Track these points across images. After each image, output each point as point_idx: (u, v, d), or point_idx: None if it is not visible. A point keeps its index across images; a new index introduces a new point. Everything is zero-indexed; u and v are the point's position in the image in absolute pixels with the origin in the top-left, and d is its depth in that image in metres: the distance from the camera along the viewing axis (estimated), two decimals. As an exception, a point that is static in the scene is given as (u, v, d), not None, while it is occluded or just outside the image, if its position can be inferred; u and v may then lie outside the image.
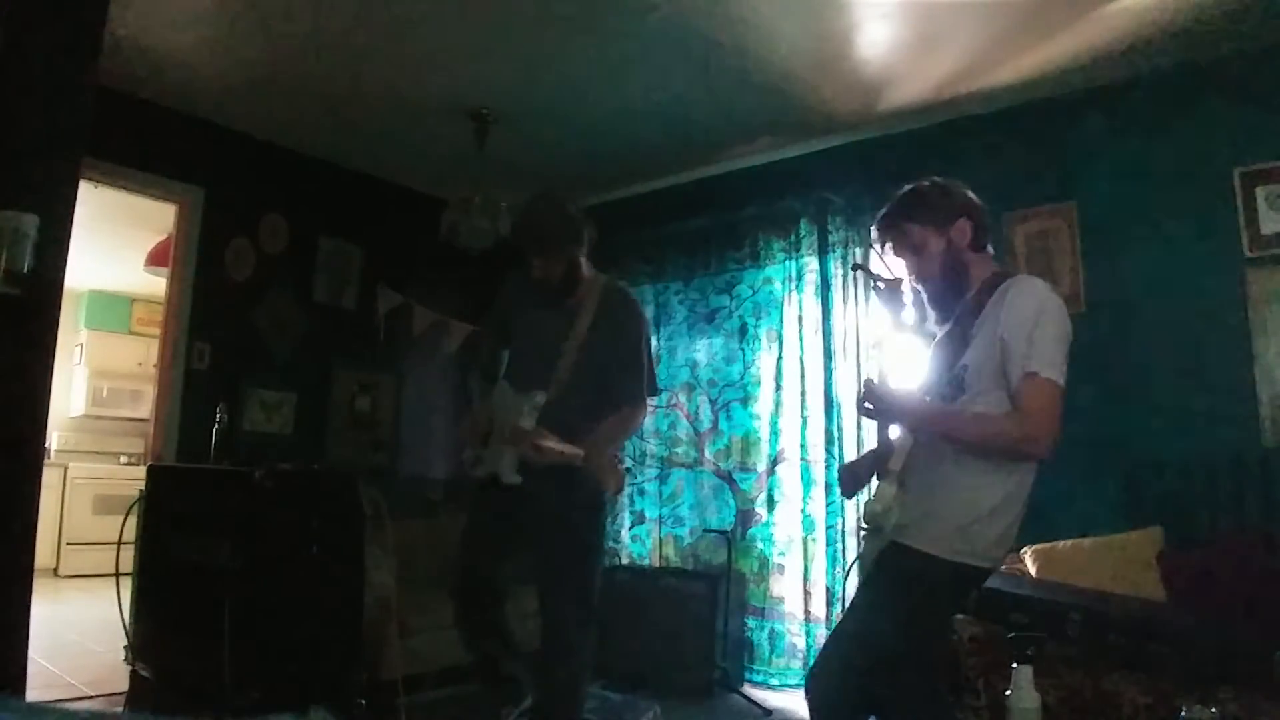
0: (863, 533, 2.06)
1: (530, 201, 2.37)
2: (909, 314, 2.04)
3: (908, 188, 2.00)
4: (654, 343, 4.71)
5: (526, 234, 2.34)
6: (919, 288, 1.98)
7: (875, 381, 1.93)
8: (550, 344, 2.36)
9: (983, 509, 1.79)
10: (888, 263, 2.05)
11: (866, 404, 1.92)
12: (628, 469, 4.68)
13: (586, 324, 2.34)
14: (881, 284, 2.04)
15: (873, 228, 2.06)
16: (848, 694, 1.85)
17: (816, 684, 1.92)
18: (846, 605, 3.82)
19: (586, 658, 2.42)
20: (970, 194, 1.98)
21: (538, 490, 2.29)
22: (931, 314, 1.99)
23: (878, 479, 1.98)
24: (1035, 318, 1.76)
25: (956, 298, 1.92)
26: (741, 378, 4.45)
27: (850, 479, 2.12)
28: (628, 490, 4.71)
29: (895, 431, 1.99)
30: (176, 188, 4.02)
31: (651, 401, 2.53)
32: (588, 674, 2.46)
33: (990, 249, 1.99)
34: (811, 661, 3.91)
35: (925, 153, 3.68)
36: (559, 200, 2.38)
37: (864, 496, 2.11)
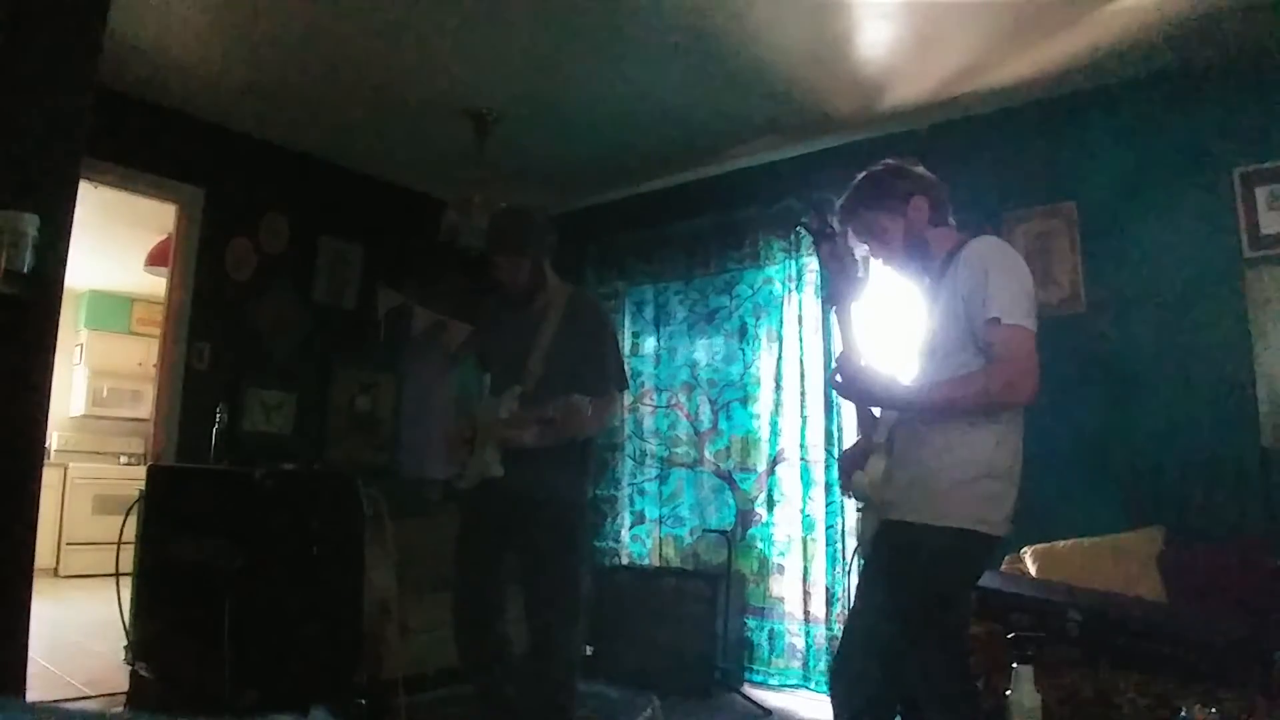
0: (858, 513, 2.06)
1: (497, 212, 2.59)
2: (853, 273, 2.06)
3: (861, 175, 2.04)
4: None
5: (495, 238, 2.49)
6: (892, 268, 2.01)
7: (845, 361, 1.93)
8: (520, 344, 2.46)
9: (970, 469, 1.79)
10: (855, 248, 2.06)
11: (837, 380, 1.93)
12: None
13: (554, 324, 2.45)
14: (822, 240, 2.06)
15: (838, 219, 2.08)
16: (871, 684, 1.84)
17: (839, 677, 1.92)
18: (845, 600, 3.84)
19: (575, 655, 2.44)
20: (924, 172, 2.01)
21: (520, 483, 2.35)
22: (917, 292, 2.02)
23: (868, 455, 1.99)
24: (986, 270, 1.78)
25: (922, 272, 1.96)
26: (741, 378, 4.45)
27: (850, 466, 2.10)
28: (628, 490, 4.72)
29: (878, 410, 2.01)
30: (176, 188, 4.02)
31: (626, 396, 2.63)
32: (577, 671, 2.48)
33: (952, 222, 2.00)
34: (811, 661, 3.93)
35: (925, 153, 3.65)
36: (524, 209, 2.59)
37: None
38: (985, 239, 1.90)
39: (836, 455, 3.96)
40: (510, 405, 2.38)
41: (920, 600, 1.82)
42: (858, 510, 2.08)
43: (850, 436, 3.95)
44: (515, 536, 2.42)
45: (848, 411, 3.97)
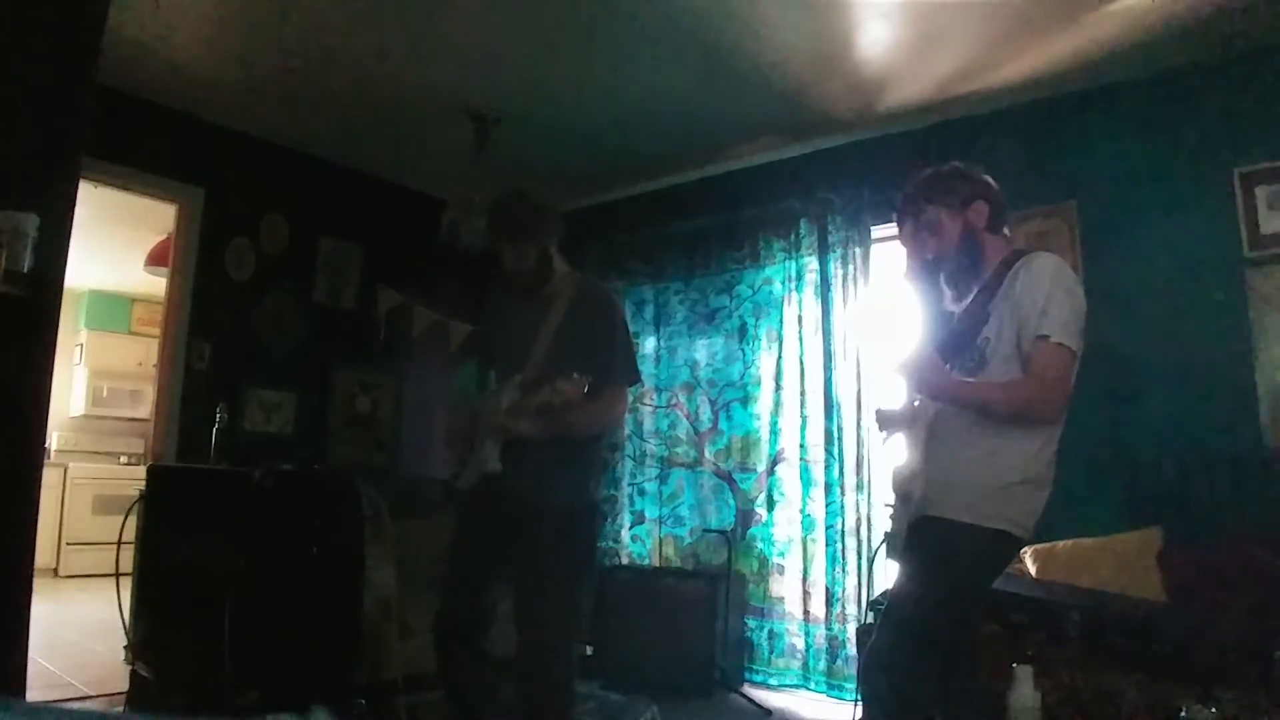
0: (889, 509, 2.05)
1: (500, 197, 2.42)
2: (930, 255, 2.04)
3: (928, 171, 2.04)
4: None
5: (499, 224, 2.37)
6: (938, 267, 2.01)
7: (922, 349, 1.95)
8: (526, 333, 2.37)
9: (1008, 473, 1.82)
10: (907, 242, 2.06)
11: (907, 362, 1.94)
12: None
13: (561, 313, 2.35)
14: (905, 220, 2.06)
15: (896, 209, 2.07)
16: (905, 680, 1.85)
17: (870, 671, 1.92)
18: (845, 600, 3.84)
19: (571, 665, 2.38)
20: (989, 179, 2.03)
21: (520, 483, 2.26)
22: (947, 292, 2.03)
23: (906, 445, 2.00)
24: (1049, 288, 1.81)
25: (972, 276, 1.97)
26: (741, 378, 4.45)
27: (887, 420, 2.10)
28: (628, 490, 4.72)
29: (917, 400, 2.01)
30: (176, 188, 4.02)
31: (630, 391, 2.51)
32: (573, 680, 2.42)
33: (1007, 232, 2.02)
34: (811, 661, 3.93)
35: (925, 153, 3.67)
36: (528, 194, 2.43)
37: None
38: (1049, 255, 1.93)
39: (836, 455, 3.97)
40: (511, 395, 2.26)
41: (948, 595, 1.83)
42: (889, 505, 2.07)
43: (850, 437, 3.95)
44: (513, 539, 2.31)
45: (848, 412, 3.98)
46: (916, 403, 2.02)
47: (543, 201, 2.42)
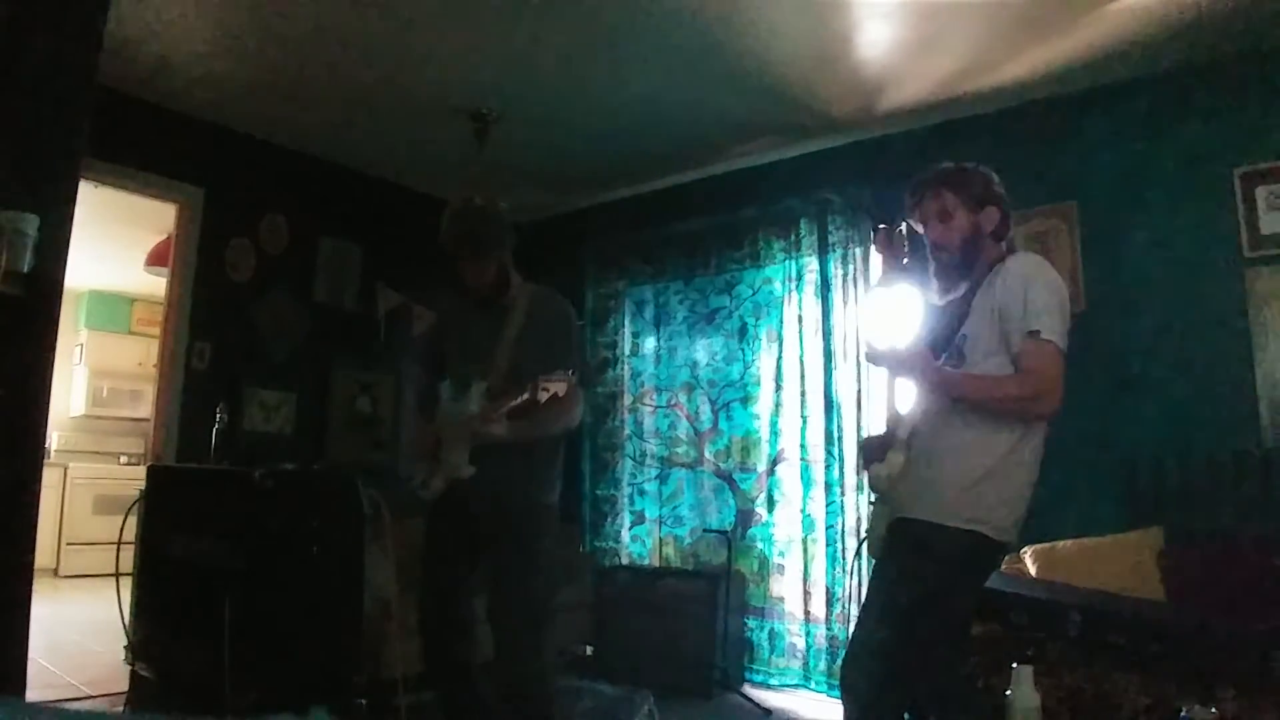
0: (870, 507, 2.07)
1: (460, 210, 2.39)
2: (904, 265, 2.07)
3: (951, 164, 2.05)
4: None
5: (458, 238, 2.35)
6: (933, 256, 2.01)
7: (881, 336, 1.96)
8: (485, 343, 2.39)
9: (980, 471, 1.81)
10: (912, 225, 2.07)
11: (872, 349, 1.95)
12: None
13: (519, 322, 2.39)
14: (879, 227, 2.10)
15: (909, 189, 2.06)
16: (881, 680, 1.85)
17: (849, 672, 1.93)
18: (845, 599, 3.84)
19: (550, 658, 2.39)
20: (1002, 190, 2.04)
21: (490, 486, 2.28)
22: (934, 284, 2.03)
23: (888, 449, 2.00)
24: (1030, 285, 1.83)
25: (962, 275, 1.98)
26: (741, 378, 4.45)
27: (871, 453, 2.11)
28: (628, 490, 4.72)
29: (905, 406, 2.01)
30: (176, 188, 4.02)
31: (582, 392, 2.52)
32: (554, 675, 2.43)
33: (1004, 245, 2.02)
34: (811, 661, 3.93)
35: (925, 153, 3.67)
36: (486, 204, 2.40)
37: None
38: (1031, 255, 1.97)
39: (837, 455, 3.97)
40: (480, 401, 2.27)
41: (922, 597, 1.83)
42: (871, 504, 2.08)
43: (850, 437, 3.95)
44: (485, 541, 2.35)
45: (848, 412, 3.98)
46: (902, 410, 2.02)
47: (501, 211, 2.41)
